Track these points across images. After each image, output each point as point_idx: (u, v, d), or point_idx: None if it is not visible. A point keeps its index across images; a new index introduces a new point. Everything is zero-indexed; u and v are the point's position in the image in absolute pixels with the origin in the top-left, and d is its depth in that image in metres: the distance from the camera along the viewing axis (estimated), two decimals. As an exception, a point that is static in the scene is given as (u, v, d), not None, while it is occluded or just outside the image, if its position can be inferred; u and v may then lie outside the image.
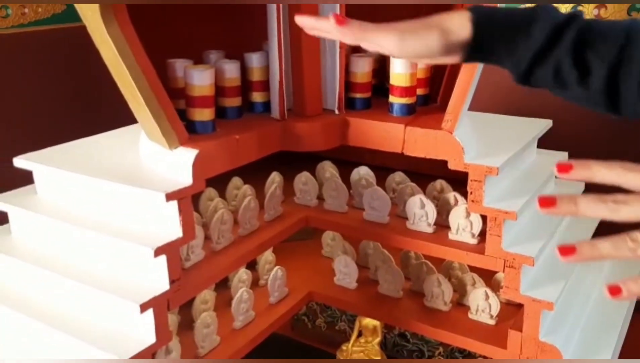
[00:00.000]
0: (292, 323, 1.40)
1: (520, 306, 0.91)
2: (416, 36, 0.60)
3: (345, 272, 1.11)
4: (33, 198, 0.91)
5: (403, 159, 0.98)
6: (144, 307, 0.75)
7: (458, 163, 0.89)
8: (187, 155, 0.80)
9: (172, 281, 0.78)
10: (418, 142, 0.92)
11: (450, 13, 0.61)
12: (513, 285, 0.89)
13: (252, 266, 1.12)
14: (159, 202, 0.76)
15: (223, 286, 1.08)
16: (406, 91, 0.96)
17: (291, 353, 1.34)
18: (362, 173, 1.10)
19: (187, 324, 0.96)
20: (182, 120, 0.87)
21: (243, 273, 1.06)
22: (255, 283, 1.11)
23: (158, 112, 0.79)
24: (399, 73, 0.95)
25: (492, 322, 0.99)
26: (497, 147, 0.93)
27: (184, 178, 0.80)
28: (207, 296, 0.99)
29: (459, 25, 0.60)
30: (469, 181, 0.89)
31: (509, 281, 0.89)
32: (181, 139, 0.82)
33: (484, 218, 0.92)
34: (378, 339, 1.28)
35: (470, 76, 0.85)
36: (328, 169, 1.14)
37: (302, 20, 0.67)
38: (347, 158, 1.20)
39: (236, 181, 1.08)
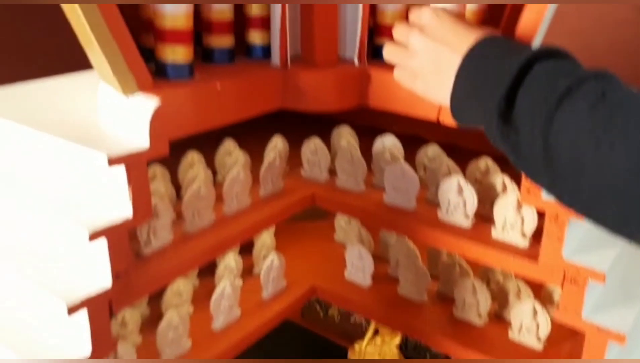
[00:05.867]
0: (302, 309, 1.20)
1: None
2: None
3: (359, 266, 0.90)
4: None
5: (442, 129, 0.76)
6: (73, 309, 0.55)
7: (512, 138, 0.66)
8: (144, 105, 0.59)
9: (115, 275, 0.59)
10: (460, 107, 0.69)
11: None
12: (573, 306, 0.67)
13: (249, 249, 0.92)
14: (102, 167, 0.56)
15: (209, 272, 0.88)
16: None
17: (298, 343, 1.15)
18: (388, 143, 0.88)
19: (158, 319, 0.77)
20: (149, 62, 0.66)
21: (231, 259, 0.86)
22: (248, 272, 0.91)
23: (110, 46, 0.58)
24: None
25: (538, 346, 0.77)
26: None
27: (139, 137, 0.59)
28: (181, 286, 0.80)
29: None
30: (525, 164, 0.66)
31: (569, 300, 0.67)
32: (141, 82, 0.61)
33: (540, 213, 0.69)
34: (397, 340, 1.08)
35: (538, 19, 0.61)
36: (345, 136, 0.92)
37: None
38: (371, 124, 0.97)
39: (228, 144, 0.87)
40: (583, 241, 0.69)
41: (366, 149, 0.89)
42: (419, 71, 0.61)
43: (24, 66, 1.01)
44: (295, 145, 0.89)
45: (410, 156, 0.88)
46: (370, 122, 0.97)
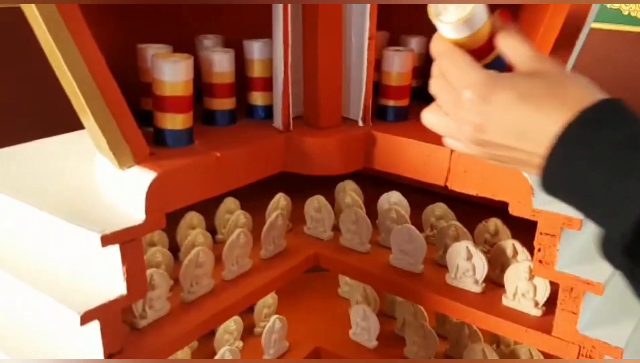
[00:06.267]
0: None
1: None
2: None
3: (364, 326, 0.87)
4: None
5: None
6: (63, 394, 0.53)
7: (523, 208, 0.63)
8: (141, 179, 0.57)
9: (108, 356, 0.56)
10: (468, 173, 0.67)
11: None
12: (590, 382, 0.63)
13: (249, 307, 0.89)
14: (96, 245, 0.54)
15: (209, 332, 0.85)
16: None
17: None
18: (393, 200, 0.86)
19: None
20: (149, 126, 0.65)
21: (231, 322, 0.83)
22: (249, 331, 0.88)
23: (105, 118, 0.56)
24: None
25: (553, 418, 0.74)
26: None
27: (135, 212, 0.57)
28: (178, 354, 0.77)
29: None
30: (537, 234, 0.63)
31: (586, 376, 0.64)
32: (137, 155, 0.59)
33: (553, 282, 0.67)
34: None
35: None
36: (349, 192, 0.89)
37: None
38: (377, 175, 0.95)
39: (230, 203, 0.85)
40: (598, 314, 0.66)
41: (372, 201, 0.87)
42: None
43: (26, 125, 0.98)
44: (299, 199, 0.87)
45: (418, 211, 0.85)
46: (376, 172, 0.95)
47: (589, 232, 0.68)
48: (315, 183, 0.90)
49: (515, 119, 0.40)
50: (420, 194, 0.88)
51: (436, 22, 0.43)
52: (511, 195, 0.64)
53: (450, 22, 0.42)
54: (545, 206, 0.62)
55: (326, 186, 0.91)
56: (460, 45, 0.43)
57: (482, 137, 0.42)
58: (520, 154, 0.41)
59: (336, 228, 0.87)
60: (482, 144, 0.43)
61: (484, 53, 0.44)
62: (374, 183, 0.92)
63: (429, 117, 0.46)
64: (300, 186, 0.88)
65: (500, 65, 0.44)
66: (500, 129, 0.41)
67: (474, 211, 0.83)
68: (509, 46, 0.43)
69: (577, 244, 0.66)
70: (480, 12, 0.42)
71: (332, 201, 0.88)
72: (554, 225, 0.62)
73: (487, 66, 0.43)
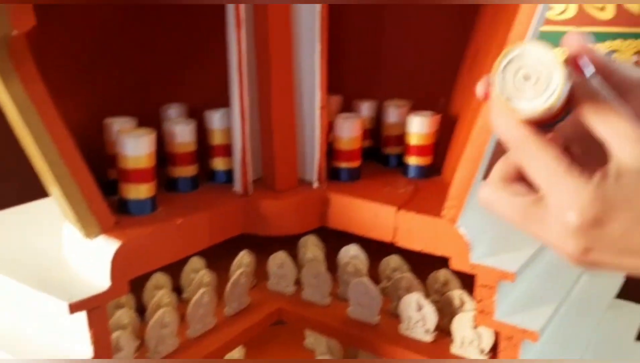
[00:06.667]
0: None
1: None
2: None
3: (327, 377, 0.91)
4: None
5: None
6: None
7: (462, 263, 0.69)
8: (106, 248, 0.62)
9: (75, 418, 0.59)
10: (413, 231, 0.73)
11: None
12: (533, 425, 0.68)
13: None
14: (63, 313, 0.58)
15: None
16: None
17: None
18: (352, 254, 0.91)
19: None
20: (114, 195, 0.69)
21: (198, 377, 0.86)
22: (216, 385, 0.91)
23: (72, 191, 0.61)
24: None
25: None
26: (515, 239, 0.73)
27: (101, 279, 0.61)
28: (146, 411, 0.80)
29: None
30: (476, 287, 0.68)
31: (528, 418, 0.68)
32: (103, 225, 0.64)
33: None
34: None
35: (482, 147, 0.65)
36: (311, 247, 0.94)
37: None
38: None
39: (195, 262, 0.89)
40: (540, 356, 0.71)
41: (335, 253, 0.91)
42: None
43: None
44: (265, 254, 0.91)
45: (377, 263, 0.90)
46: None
47: (525, 284, 0.73)
48: (281, 238, 0.95)
49: (636, 243, 0.33)
50: (382, 244, 0.93)
51: (510, 107, 0.34)
52: (451, 251, 0.69)
53: (534, 110, 0.33)
54: (482, 260, 0.68)
55: (291, 241, 0.95)
56: (534, 121, 0.35)
57: (587, 257, 0.35)
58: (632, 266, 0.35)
59: (299, 282, 0.91)
60: (584, 261, 0.35)
61: (556, 118, 0.36)
62: (338, 235, 0.97)
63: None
64: (266, 242, 0.92)
65: (566, 117, 0.36)
66: (614, 251, 0.34)
67: (430, 260, 0.88)
68: (604, 124, 0.33)
69: (515, 292, 0.71)
70: (563, 78, 0.33)
71: (295, 254, 0.93)
72: (490, 278, 0.67)
73: (554, 124, 0.36)
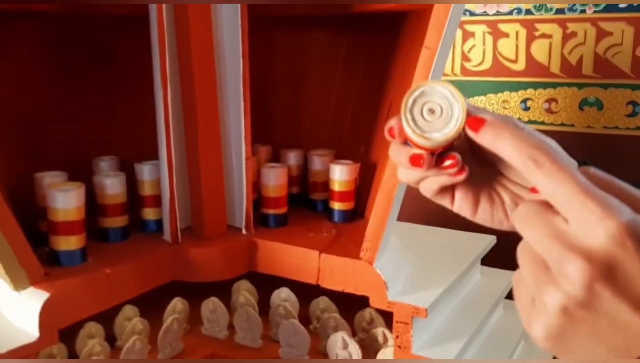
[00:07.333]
0: None
1: None
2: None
3: (261, 419, 0.93)
4: None
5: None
6: None
7: (381, 301, 0.74)
8: (35, 299, 0.63)
9: None
10: (334, 273, 0.77)
11: None
12: None
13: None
14: (-10, 365, 0.59)
15: None
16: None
17: None
18: (283, 296, 0.94)
19: None
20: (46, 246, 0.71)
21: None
22: None
23: (0, 245, 0.63)
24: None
25: None
26: (430, 276, 0.79)
27: (30, 329, 0.63)
28: None
29: None
30: (394, 323, 0.73)
31: None
32: (32, 277, 0.65)
33: (416, 363, 0.76)
34: None
35: (391, 191, 0.71)
36: (243, 292, 0.97)
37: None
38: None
39: (128, 310, 0.90)
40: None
41: (269, 296, 0.94)
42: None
43: None
44: (198, 299, 0.93)
45: (307, 304, 0.93)
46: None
47: (440, 319, 0.79)
48: (214, 283, 0.98)
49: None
50: (313, 286, 0.97)
51: (419, 140, 0.37)
52: (370, 290, 0.74)
53: (446, 138, 0.37)
54: (397, 297, 0.73)
55: (225, 285, 0.98)
56: (446, 146, 0.38)
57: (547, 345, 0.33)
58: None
59: (232, 326, 0.94)
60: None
61: (459, 138, 0.38)
62: (271, 279, 1.00)
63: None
64: (201, 287, 0.95)
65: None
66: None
67: (359, 300, 0.92)
68: (549, 185, 0.31)
69: (431, 326, 0.76)
70: (462, 106, 0.37)
71: (229, 299, 0.96)
72: (405, 314, 0.72)
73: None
